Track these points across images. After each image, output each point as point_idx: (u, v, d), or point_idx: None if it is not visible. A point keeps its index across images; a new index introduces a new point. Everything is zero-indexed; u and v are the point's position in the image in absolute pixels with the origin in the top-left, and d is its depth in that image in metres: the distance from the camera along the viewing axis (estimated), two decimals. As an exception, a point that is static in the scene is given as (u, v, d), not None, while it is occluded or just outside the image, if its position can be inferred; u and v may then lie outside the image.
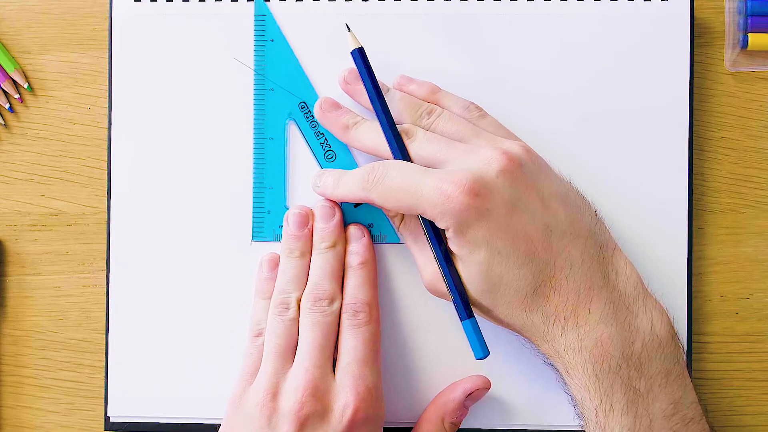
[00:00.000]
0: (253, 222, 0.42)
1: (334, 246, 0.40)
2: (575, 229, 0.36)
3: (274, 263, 0.41)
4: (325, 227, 0.40)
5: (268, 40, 0.42)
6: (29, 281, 0.44)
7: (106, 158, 0.43)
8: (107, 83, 0.42)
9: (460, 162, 0.36)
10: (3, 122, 0.44)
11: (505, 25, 0.42)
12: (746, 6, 0.42)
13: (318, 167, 0.42)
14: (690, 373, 0.41)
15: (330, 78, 0.41)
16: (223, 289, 0.42)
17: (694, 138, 0.42)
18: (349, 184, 0.38)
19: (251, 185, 0.42)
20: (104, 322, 0.42)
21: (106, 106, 0.43)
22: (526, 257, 0.35)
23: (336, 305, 0.39)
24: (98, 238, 0.43)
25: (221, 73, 0.42)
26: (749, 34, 0.42)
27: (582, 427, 0.36)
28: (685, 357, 0.36)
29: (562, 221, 0.36)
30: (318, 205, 0.41)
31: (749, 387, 0.42)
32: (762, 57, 0.43)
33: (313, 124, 0.42)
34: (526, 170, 0.36)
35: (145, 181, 0.42)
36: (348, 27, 0.40)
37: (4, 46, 0.44)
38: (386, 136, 0.38)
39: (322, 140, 0.41)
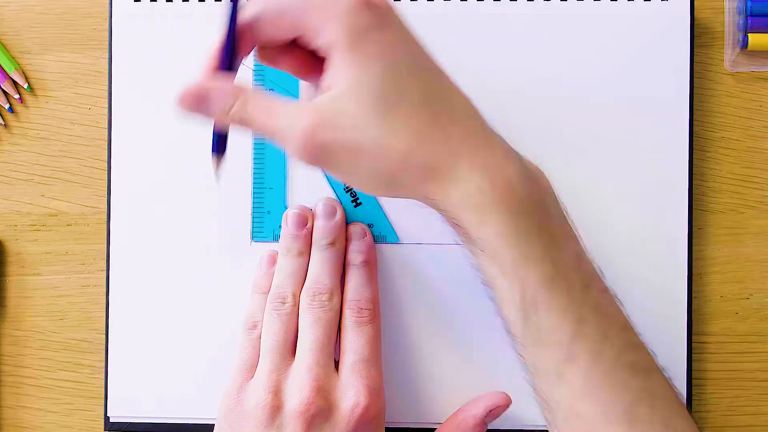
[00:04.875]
0: (253, 222, 0.42)
1: (334, 243, 0.40)
2: None
3: (274, 260, 0.40)
4: (326, 224, 0.40)
5: None
6: (29, 281, 0.44)
7: (106, 158, 0.43)
8: (107, 83, 0.42)
9: None
10: (3, 122, 0.44)
11: (503, 26, 0.42)
12: (746, 6, 0.42)
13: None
14: (690, 373, 0.41)
15: None
16: (223, 289, 0.42)
17: (694, 138, 0.42)
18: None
19: (251, 185, 0.42)
20: (104, 322, 0.42)
21: (106, 106, 0.43)
22: (426, 70, 0.32)
23: (336, 301, 0.38)
24: (98, 238, 0.43)
25: (221, 73, 0.42)
26: (749, 34, 0.42)
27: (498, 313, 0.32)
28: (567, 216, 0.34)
29: None
30: (319, 204, 0.41)
31: (749, 387, 0.42)
32: (762, 57, 0.43)
33: None
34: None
35: (145, 181, 0.42)
36: None
37: (4, 46, 0.44)
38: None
39: None
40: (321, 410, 0.35)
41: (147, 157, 0.42)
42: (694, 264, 0.42)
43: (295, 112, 0.31)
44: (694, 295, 0.42)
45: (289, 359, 0.37)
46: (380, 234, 0.42)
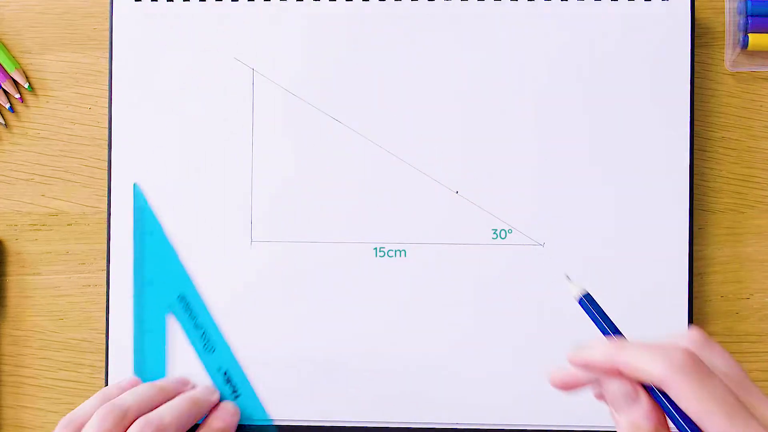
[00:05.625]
0: None
1: (197, 403, 0.39)
2: None
3: (140, 383, 0.40)
4: (200, 388, 0.40)
5: (147, 233, 0.42)
6: (29, 281, 0.44)
7: (106, 158, 0.43)
8: (107, 83, 0.42)
9: None
10: (4, 122, 0.44)
11: (504, 25, 0.42)
12: (746, 6, 0.42)
13: (198, 360, 0.41)
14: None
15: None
16: (222, 289, 0.42)
17: (694, 138, 0.42)
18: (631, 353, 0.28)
19: (250, 184, 0.42)
20: (104, 322, 0.42)
21: (107, 106, 0.43)
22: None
23: None
24: (98, 238, 0.43)
25: (221, 73, 0.42)
26: (749, 34, 0.42)
27: None
28: None
29: None
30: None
31: (749, 387, 0.42)
32: (762, 57, 0.43)
33: (192, 316, 0.41)
34: None
35: (145, 181, 0.42)
36: (568, 277, 0.32)
37: (5, 46, 0.44)
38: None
39: (201, 332, 0.41)
40: None
41: (147, 157, 0.42)
42: (694, 264, 0.42)
43: None
44: (694, 295, 0.42)
45: None
46: (255, 424, 0.41)
